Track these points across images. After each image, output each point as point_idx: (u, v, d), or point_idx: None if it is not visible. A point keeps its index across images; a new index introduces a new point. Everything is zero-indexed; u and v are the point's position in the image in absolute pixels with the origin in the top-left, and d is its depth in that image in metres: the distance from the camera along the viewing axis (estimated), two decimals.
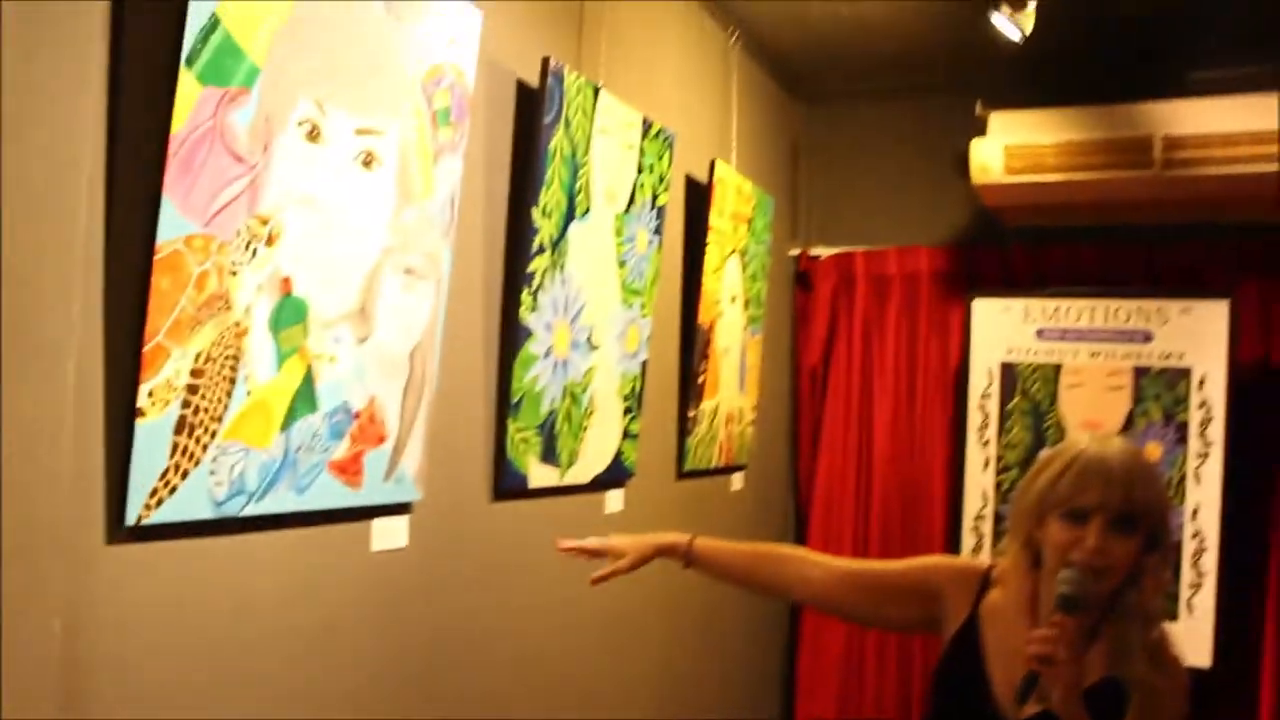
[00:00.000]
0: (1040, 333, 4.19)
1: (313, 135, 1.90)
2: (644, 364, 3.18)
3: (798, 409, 4.78)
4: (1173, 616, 3.97)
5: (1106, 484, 1.91)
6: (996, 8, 3.18)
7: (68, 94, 1.52)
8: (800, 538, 4.70)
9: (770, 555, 2.25)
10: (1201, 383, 4.00)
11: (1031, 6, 3.14)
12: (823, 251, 4.70)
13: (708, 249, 3.58)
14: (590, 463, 2.96)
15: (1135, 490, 1.90)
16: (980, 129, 4.02)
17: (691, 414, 3.59)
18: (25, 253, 1.46)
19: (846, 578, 2.18)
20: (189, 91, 1.66)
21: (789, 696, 4.71)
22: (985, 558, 2.22)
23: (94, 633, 1.61)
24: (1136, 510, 1.89)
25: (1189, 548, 3.99)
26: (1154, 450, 4.03)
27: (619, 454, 3.10)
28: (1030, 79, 4.15)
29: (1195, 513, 3.99)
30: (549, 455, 2.75)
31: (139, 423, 1.64)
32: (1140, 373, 4.07)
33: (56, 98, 1.50)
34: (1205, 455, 3.99)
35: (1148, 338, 4.06)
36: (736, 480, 4.13)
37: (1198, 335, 4.01)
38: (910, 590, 2.13)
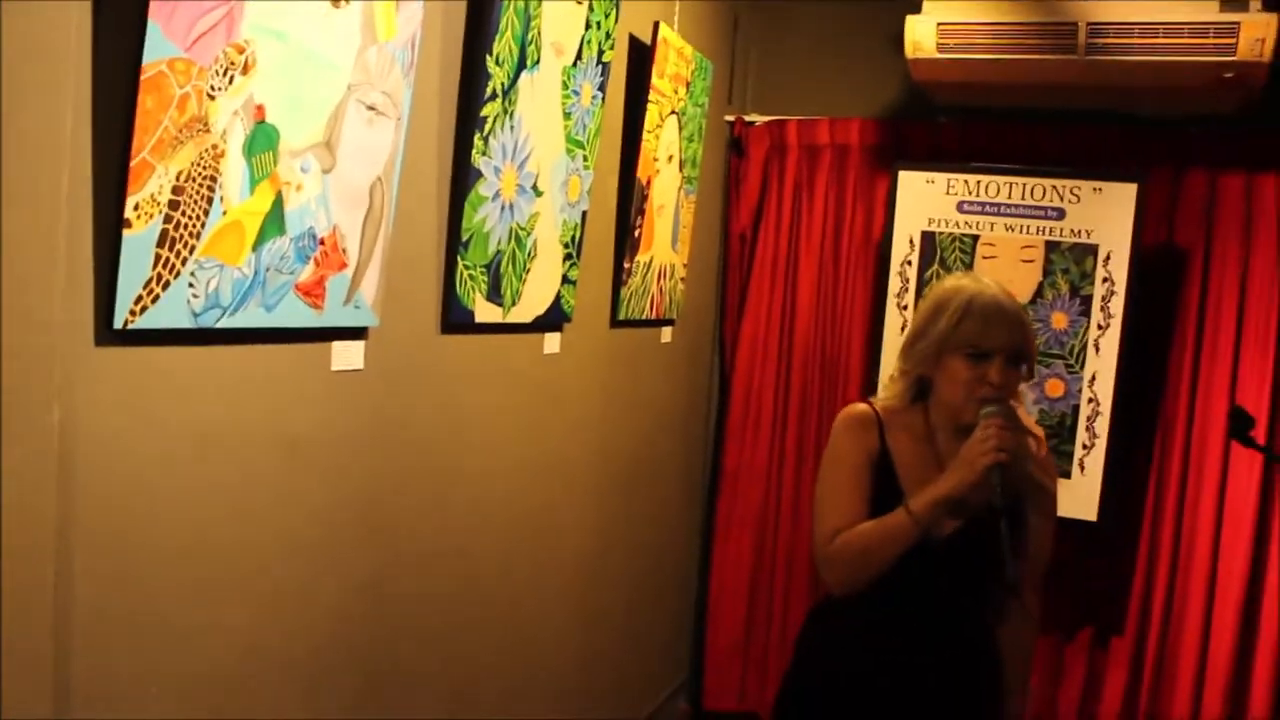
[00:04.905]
0: (960, 205, 4.38)
1: None
2: (584, 214, 3.32)
3: (726, 270, 4.95)
4: (1065, 474, 4.28)
5: (1009, 328, 2.19)
6: None
7: None
8: (723, 393, 4.92)
9: None
10: (1107, 259, 4.23)
11: None
12: (757, 118, 4.82)
13: (648, 108, 3.69)
14: (532, 304, 3.11)
15: (1026, 331, 2.21)
16: (915, 6, 4.13)
17: (627, 265, 3.74)
18: (16, 72, 1.57)
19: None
20: None
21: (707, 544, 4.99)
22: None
23: (84, 422, 1.75)
24: (1026, 349, 2.20)
25: (1084, 412, 4.27)
26: (1060, 319, 4.29)
27: (558, 298, 3.25)
28: None
29: (1093, 380, 4.27)
30: (494, 294, 2.90)
31: (126, 234, 1.76)
32: (1051, 247, 4.29)
33: None
34: (1105, 327, 4.25)
35: (1060, 214, 4.27)
36: (666, 334, 4.30)
37: (1107, 215, 4.22)
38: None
